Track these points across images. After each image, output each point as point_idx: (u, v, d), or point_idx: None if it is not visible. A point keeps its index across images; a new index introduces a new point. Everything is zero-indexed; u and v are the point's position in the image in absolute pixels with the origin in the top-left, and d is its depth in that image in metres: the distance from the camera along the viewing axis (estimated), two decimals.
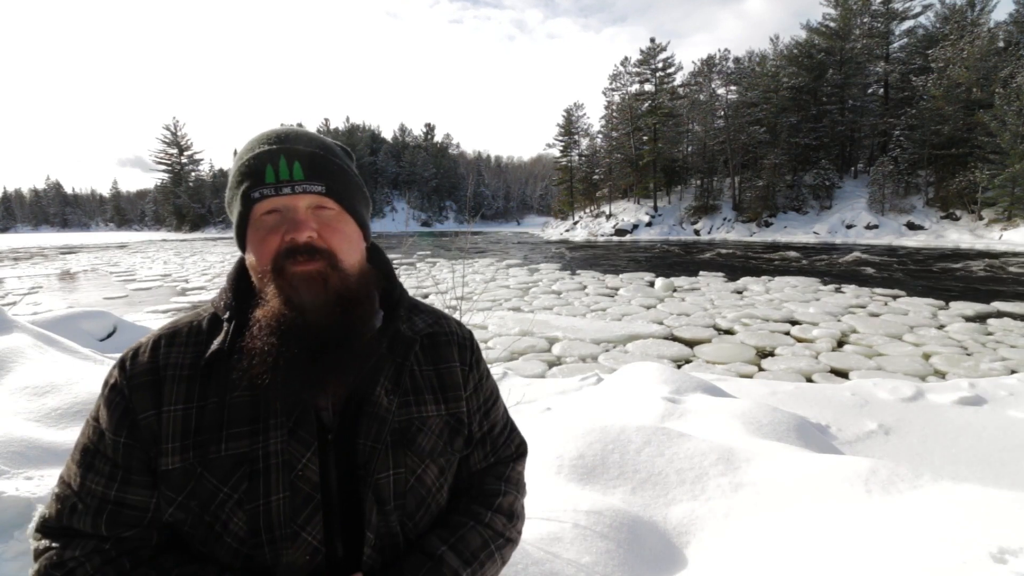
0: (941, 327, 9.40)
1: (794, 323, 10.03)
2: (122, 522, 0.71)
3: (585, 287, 15.27)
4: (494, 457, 0.93)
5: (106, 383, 0.75)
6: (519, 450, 0.98)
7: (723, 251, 28.37)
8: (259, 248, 0.73)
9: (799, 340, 8.76)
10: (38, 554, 0.71)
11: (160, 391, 0.72)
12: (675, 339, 9.02)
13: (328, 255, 0.73)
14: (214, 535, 0.70)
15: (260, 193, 0.72)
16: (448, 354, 0.88)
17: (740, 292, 13.90)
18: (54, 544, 0.70)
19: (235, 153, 0.79)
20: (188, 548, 0.74)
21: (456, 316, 4.16)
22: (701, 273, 18.26)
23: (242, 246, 0.78)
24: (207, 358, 0.73)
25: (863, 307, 11.45)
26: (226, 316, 0.76)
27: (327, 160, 0.77)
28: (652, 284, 15.49)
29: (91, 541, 0.70)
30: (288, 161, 0.73)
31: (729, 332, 9.44)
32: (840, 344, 8.49)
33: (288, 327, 0.70)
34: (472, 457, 0.90)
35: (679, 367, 7.23)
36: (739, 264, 21.68)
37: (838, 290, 13.92)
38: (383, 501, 0.75)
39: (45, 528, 0.73)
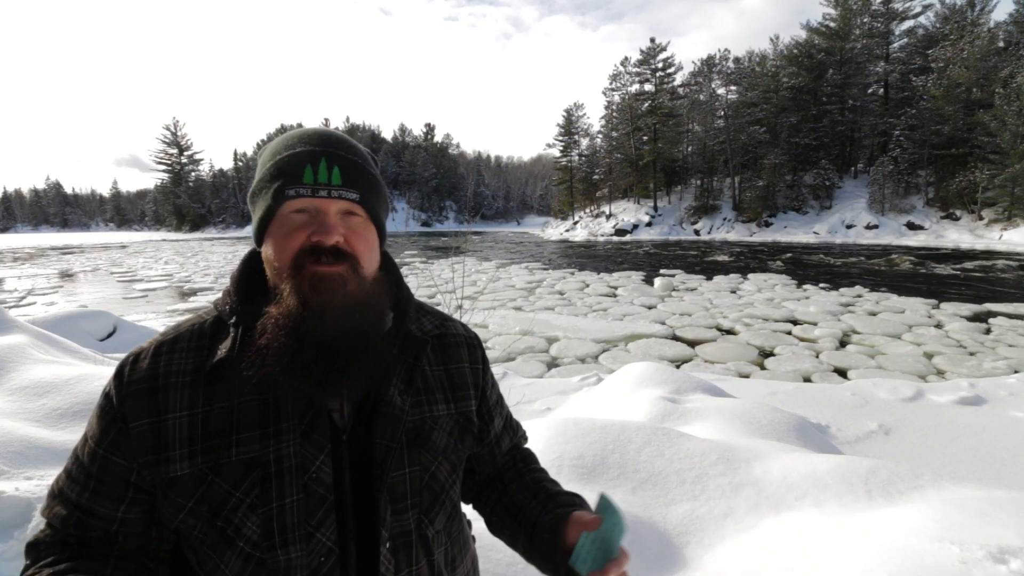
0: (939, 326, 9.41)
1: (795, 323, 10.04)
2: (86, 528, 0.73)
3: (587, 286, 15.30)
4: (517, 438, 1.06)
5: (103, 391, 0.75)
6: (525, 434, 1.12)
7: (779, 255, 28.31)
8: (281, 243, 0.72)
9: (801, 340, 8.77)
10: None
11: (158, 398, 0.71)
12: (677, 339, 9.01)
13: (352, 259, 0.73)
14: (226, 540, 0.70)
15: (295, 191, 0.72)
16: (457, 355, 0.90)
17: (735, 291, 13.94)
18: (42, 532, 0.76)
19: (259, 145, 0.78)
20: (183, 562, 0.76)
21: (459, 315, 4.17)
22: (662, 270, 18.64)
23: (259, 240, 0.77)
24: (213, 364, 0.72)
25: (852, 305, 11.49)
26: (232, 320, 0.75)
27: (364, 169, 0.77)
28: (651, 283, 15.52)
29: (59, 534, 0.74)
30: (329, 165, 0.73)
31: (731, 332, 9.44)
32: (842, 344, 8.49)
33: (304, 327, 0.69)
34: (502, 441, 1.00)
35: (678, 367, 7.22)
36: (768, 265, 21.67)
37: (823, 287, 14.09)
38: (397, 499, 0.75)
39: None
